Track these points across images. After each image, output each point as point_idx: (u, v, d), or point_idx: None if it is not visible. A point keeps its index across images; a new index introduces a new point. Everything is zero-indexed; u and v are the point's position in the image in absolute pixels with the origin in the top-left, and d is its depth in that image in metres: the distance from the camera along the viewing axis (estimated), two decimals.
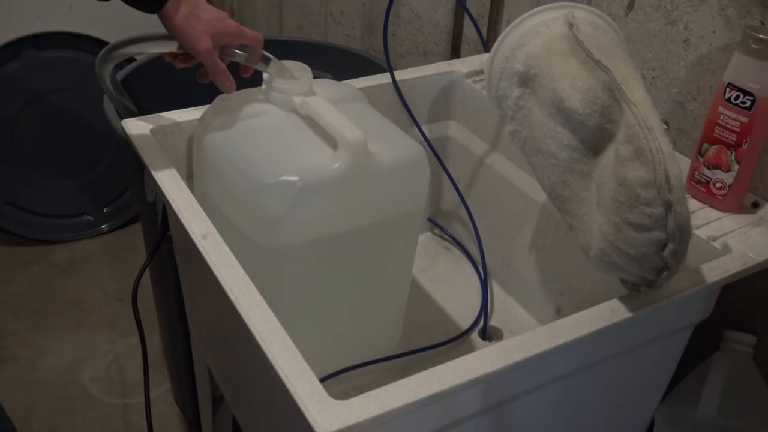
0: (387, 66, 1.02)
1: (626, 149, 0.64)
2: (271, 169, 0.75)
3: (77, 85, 1.76)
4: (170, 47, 0.80)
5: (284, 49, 1.07)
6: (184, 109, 0.91)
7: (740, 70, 0.79)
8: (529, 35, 0.78)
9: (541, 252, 0.99)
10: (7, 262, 1.85)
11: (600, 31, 0.77)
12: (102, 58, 0.85)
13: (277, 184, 0.73)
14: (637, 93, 0.67)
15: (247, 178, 0.75)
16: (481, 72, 1.06)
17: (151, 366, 1.06)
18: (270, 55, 0.83)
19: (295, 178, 0.73)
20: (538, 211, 0.97)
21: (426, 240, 1.16)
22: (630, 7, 0.98)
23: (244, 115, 0.82)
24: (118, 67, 0.97)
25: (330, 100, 0.81)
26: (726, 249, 0.77)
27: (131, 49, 0.82)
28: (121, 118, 0.88)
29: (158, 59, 0.83)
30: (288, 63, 0.84)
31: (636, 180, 0.62)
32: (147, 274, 1.09)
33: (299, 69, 0.84)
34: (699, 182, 0.85)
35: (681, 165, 0.64)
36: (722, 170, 0.83)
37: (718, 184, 0.83)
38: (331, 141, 0.77)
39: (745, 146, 0.80)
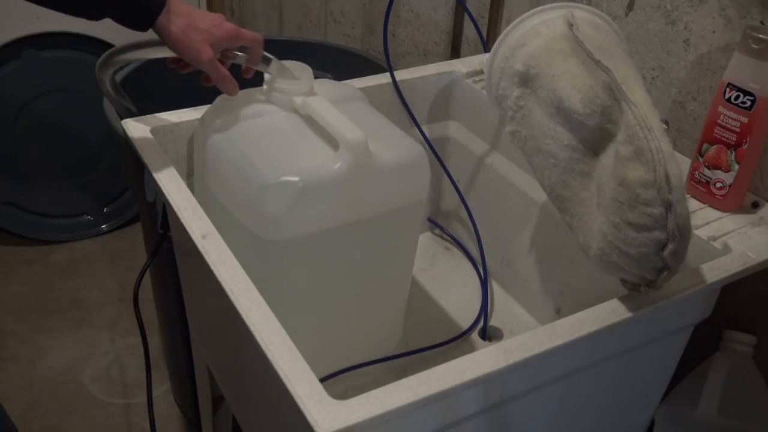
0: (387, 66, 1.02)
1: (626, 149, 0.64)
2: (272, 169, 0.75)
3: (77, 85, 1.76)
4: (170, 52, 0.80)
5: (284, 49, 1.07)
6: (184, 109, 0.91)
7: (740, 70, 0.79)
8: (529, 35, 0.78)
9: (541, 252, 0.99)
10: (7, 262, 1.85)
11: (600, 31, 0.77)
12: (102, 63, 0.85)
13: (278, 185, 0.73)
14: (637, 93, 0.67)
15: (248, 178, 0.75)
16: (481, 72, 1.06)
17: (151, 366, 1.06)
18: (270, 56, 0.83)
19: (295, 179, 0.73)
20: (538, 211, 0.97)
21: (426, 240, 1.16)
22: (630, 7, 0.98)
23: (244, 115, 0.82)
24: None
25: (330, 100, 0.81)
26: (726, 249, 0.77)
27: (131, 55, 0.82)
28: (121, 119, 0.88)
29: (158, 59, 0.83)
30: (288, 63, 0.84)
31: (636, 180, 0.62)
32: (147, 274, 1.09)
33: (300, 69, 0.84)
34: (699, 182, 0.85)
35: (681, 165, 0.64)
36: (722, 170, 0.83)
37: (718, 184, 0.83)
38: (332, 141, 0.77)
39: (745, 146, 0.80)
